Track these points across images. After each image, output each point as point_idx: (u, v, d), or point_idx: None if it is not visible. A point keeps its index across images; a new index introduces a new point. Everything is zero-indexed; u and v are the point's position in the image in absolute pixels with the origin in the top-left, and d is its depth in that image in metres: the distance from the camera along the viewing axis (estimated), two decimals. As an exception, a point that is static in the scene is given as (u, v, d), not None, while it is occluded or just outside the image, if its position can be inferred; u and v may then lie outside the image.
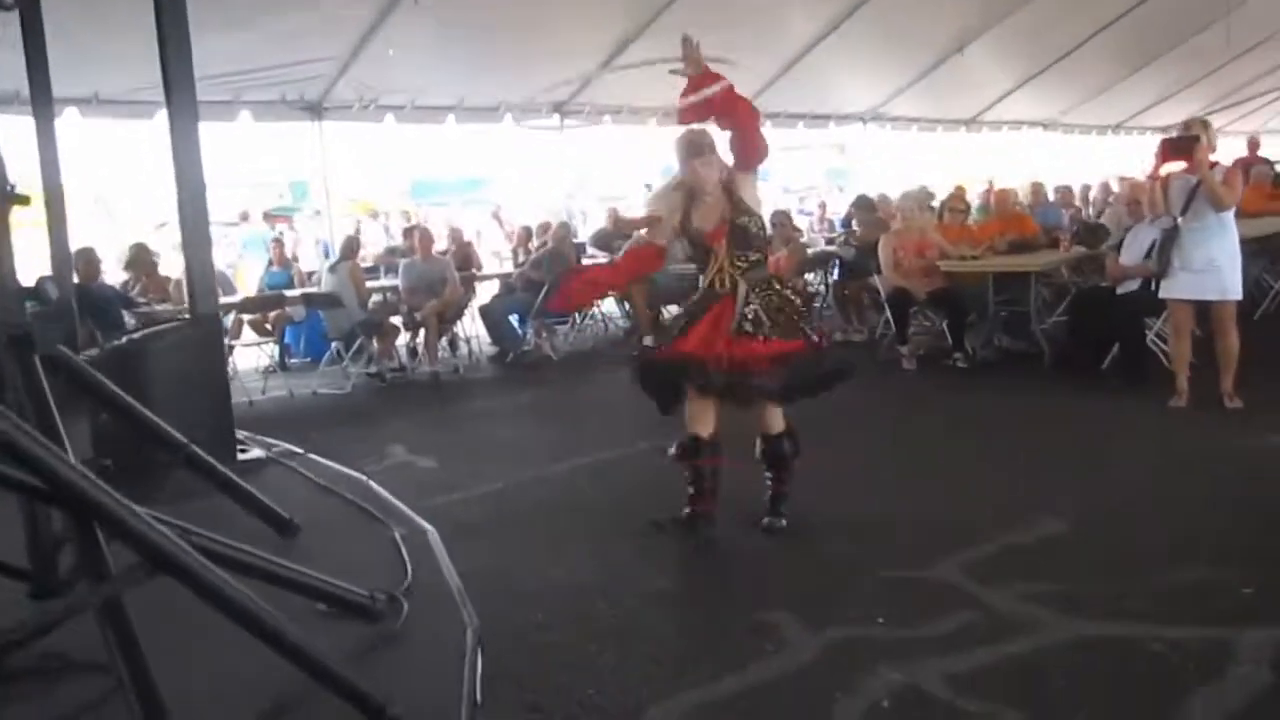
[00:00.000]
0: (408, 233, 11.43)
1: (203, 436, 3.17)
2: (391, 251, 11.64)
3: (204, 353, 3.25)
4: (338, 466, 3.49)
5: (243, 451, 3.71)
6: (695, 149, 4.32)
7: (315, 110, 10.64)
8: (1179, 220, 6.22)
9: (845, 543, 4.35)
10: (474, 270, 10.98)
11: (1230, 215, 6.18)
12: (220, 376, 3.24)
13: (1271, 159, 13.49)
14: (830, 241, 12.52)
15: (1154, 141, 20.51)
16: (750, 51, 12.35)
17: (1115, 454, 5.55)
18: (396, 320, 9.49)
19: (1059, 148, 19.91)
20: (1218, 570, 3.83)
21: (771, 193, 20.90)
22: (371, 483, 3.07)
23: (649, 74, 11.91)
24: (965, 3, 12.88)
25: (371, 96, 10.79)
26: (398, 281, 9.62)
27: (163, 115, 9.30)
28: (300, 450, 3.79)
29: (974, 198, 15.10)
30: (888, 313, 8.56)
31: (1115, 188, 16.76)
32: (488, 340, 10.86)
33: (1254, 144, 13.62)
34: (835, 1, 11.92)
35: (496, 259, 13.56)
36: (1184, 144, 6.12)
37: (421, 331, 9.39)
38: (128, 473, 3.14)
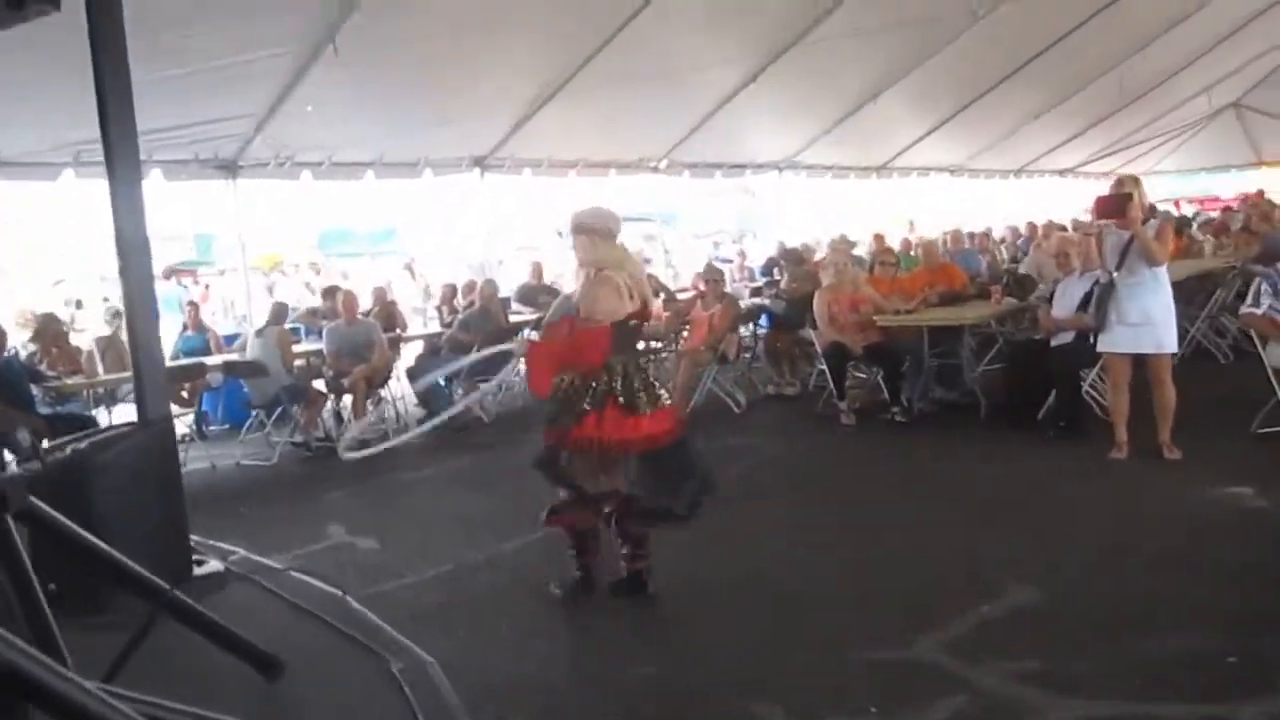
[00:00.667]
0: (328, 293, 11.10)
1: (157, 550, 2.94)
2: (313, 313, 11.29)
3: (156, 460, 2.99)
4: (304, 577, 3.24)
5: (198, 564, 3.43)
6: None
7: (230, 169, 10.32)
8: (1114, 275, 6.32)
9: (819, 619, 4.25)
10: (399, 331, 10.71)
11: (1163, 270, 6.31)
12: (174, 484, 2.99)
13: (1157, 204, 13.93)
14: (755, 292, 12.53)
15: (1052, 184, 21.31)
16: (669, 103, 12.49)
17: (1068, 511, 5.56)
18: (321, 386, 9.17)
19: (965, 192, 20.42)
20: (1196, 638, 3.82)
21: (681, 239, 21.03)
22: (350, 599, 2.83)
23: (568, 127, 12.04)
24: (877, 54, 13.10)
25: (288, 154, 10.53)
26: (321, 345, 9.31)
27: (68, 176, 9.20)
28: (261, 560, 3.52)
29: (891, 243, 15.41)
30: (824, 366, 8.56)
31: (1024, 231, 17.32)
32: (414, 403, 10.60)
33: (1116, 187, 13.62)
34: (752, 54, 12.01)
35: (419, 316, 13.26)
36: (1117, 202, 6.23)
37: (347, 398, 9.08)
38: (73, 596, 2.90)
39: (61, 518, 1.79)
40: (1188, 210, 19.50)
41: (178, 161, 9.79)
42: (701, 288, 13.66)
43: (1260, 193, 17.59)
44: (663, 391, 4.58)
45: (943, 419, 8.21)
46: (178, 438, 8.96)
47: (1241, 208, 16.08)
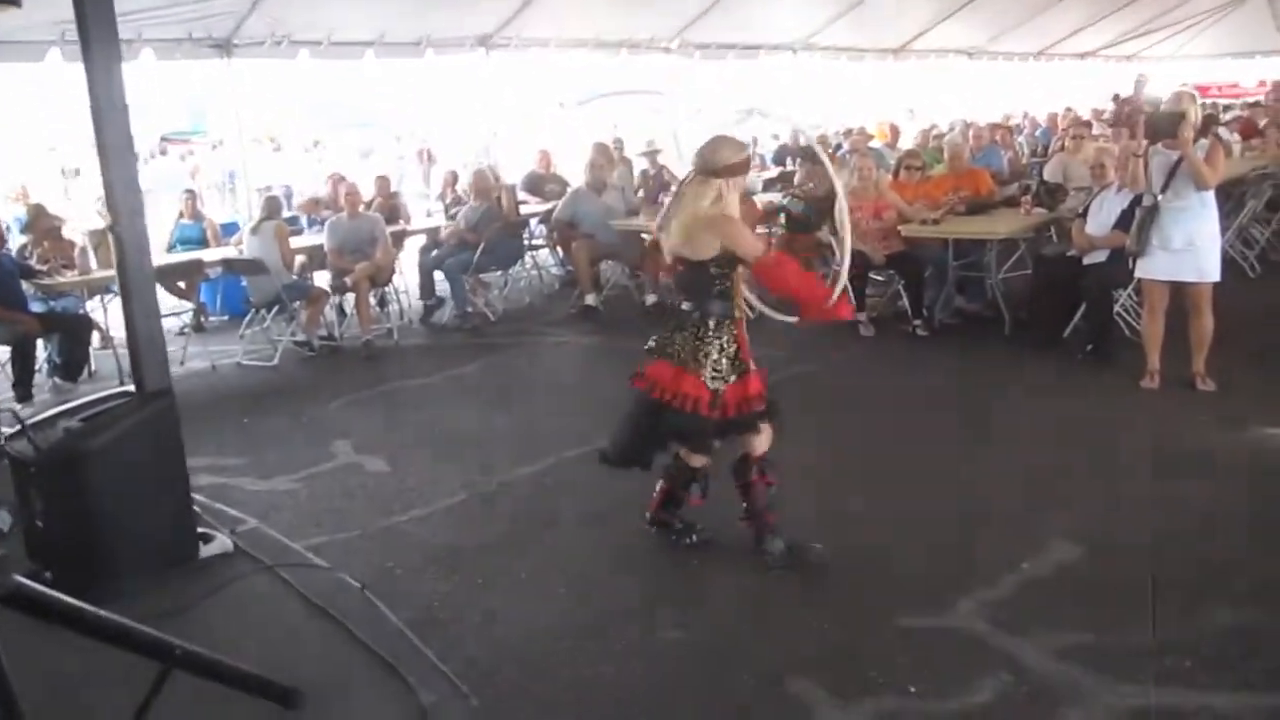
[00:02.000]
0: (334, 181, 10.71)
1: (160, 533, 2.74)
2: (316, 202, 10.90)
3: (157, 437, 2.76)
4: (319, 563, 3.02)
5: (204, 540, 3.22)
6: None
7: (224, 47, 9.83)
8: (1159, 198, 6.01)
9: (852, 580, 4.08)
10: (403, 224, 10.36)
11: (1211, 195, 6.00)
12: (177, 462, 2.76)
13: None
14: (769, 184, 12.14)
15: (1073, 68, 20.64)
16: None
17: (1104, 448, 5.37)
18: (323, 283, 8.88)
19: (983, 76, 19.77)
20: (1251, 610, 3.68)
21: (690, 120, 20.35)
22: (371, 596, 2.58)
23: (576, 5, 11.49)
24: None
25: (285, 33, 10.04)
26: (322, 239, 8.99)
27: (54, 56, 8.73)
28: (273, 533, 3.27)
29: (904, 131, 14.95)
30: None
31: (1043, 121, 16.81)
32: (418, 295, 10.35)
33: (1140, 86, 13.01)
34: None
35: (424, 202, 12.84)
36: (1169, 120, 5.88)
37: (350, 295, 8.81)
38: (70, 579, 2.70)
39: (54, 593, 1.56)
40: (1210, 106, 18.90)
41: (170, 40, 9.34)
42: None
43: (1278, 85, 17.00)
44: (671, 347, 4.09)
45: (965, 333, 7.98)
46: (177, 331, 8.91)
47: (1269, 101, 15.57)
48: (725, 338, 4.03)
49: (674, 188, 4.16)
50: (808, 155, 10.30)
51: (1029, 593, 3.91)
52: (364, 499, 5.24)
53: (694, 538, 4.42)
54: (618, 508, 4.87)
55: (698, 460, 4.26)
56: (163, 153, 18.61)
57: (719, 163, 3.86)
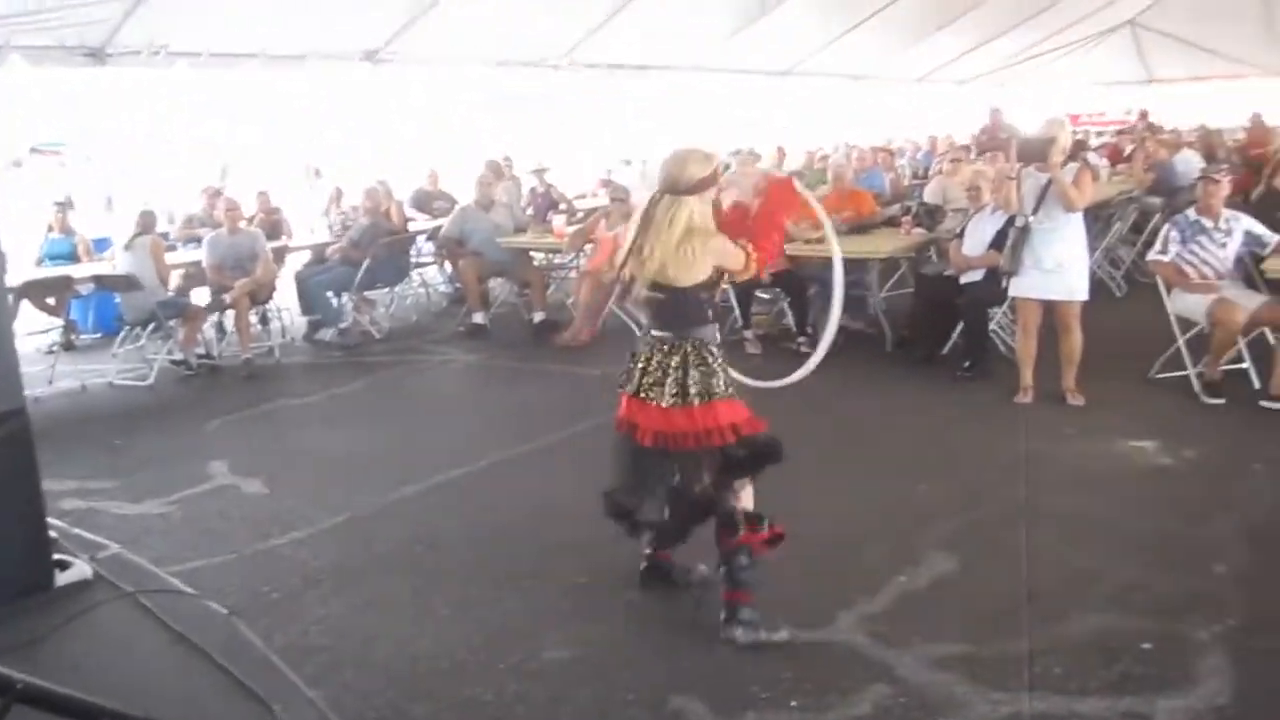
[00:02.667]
0: (209, 196, 10.42)
1: (12, 561, 2.62)
2: (190, 221, 10.57)
3: (9, 460, 2.61)
4: (184, 589, 2.90)
5: (61, 567, 3.05)
6: None
7: (97, 56, 9.48)
8: (1031, 220, 6.24)
9: (735, 595, 4.10)
10: (285, 241, 10.14)
11: (1079, 216, 6.25)
12: (31, 484, 2.61)
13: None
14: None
15: (950, 92, 21.29)
16: (572, 1, 11.94)
17: (978, 461, 5.54)
18: (201, 300, 8.62)
19: (866, 100, 20.26)
20: (1113, 618, 3.81)
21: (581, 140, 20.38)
22: (238, 622, 2.49)
23: (466, 23, 11.42)
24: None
25: (162, 43, 9.74)
26: (200, 257, 8.74)
27: None
28: (135, 559, 3.14)
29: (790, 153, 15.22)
30: (730, 293, 8.36)
31: (924, 144, 17.30)
32: (299, 312, 10.12)
33: (996, 116, 13.13)
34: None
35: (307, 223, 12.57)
36: (1039, 145, 6.11)
37: (230, 312, 8.57)
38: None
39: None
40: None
41: (40, 48, 8.97)
42: (601, 192, 13.38)
43: (1144, 114, 17.82)
44: (654, 386, 3.73)
45: (848, 349, 8.09)
46: (45, 349, 8.55)
47: (1132, 132, 16.30)
48: (723, 358, 3.79)
49: (635, 212, 3.76)
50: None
51: (906, 605, 3.98)
52: (240, 521, 5.09)
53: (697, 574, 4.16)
54: (504, 528, 4.85)
55: (744, 494, 3.88)
56: (20, 164, 17.81)
57: (689, 180, 3.56)
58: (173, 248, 10.10)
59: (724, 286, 3.90)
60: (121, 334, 8.53)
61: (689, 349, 3.67)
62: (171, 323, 8.23)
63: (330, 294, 9.34)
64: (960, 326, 7.35)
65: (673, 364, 3.67)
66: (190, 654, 2.41)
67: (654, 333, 3.74)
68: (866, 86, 19.41)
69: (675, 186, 3.57)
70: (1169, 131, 15.33)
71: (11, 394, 2.63)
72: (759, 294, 8.45)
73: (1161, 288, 6.77)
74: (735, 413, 3.71)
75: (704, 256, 3.58)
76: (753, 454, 3.78)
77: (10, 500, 2.62)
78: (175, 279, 8.73)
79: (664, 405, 3.66)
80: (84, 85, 9.95)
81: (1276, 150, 11.80)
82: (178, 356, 8.28)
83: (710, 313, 3.77)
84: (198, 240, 9.43)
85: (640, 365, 3.74)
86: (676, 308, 3.66)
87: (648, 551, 4.14)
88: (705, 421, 3.65)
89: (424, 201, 11.79)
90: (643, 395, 3.71)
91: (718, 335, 3.81)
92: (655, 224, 3.59)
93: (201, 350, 8.52)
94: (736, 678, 3.51)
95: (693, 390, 3.64)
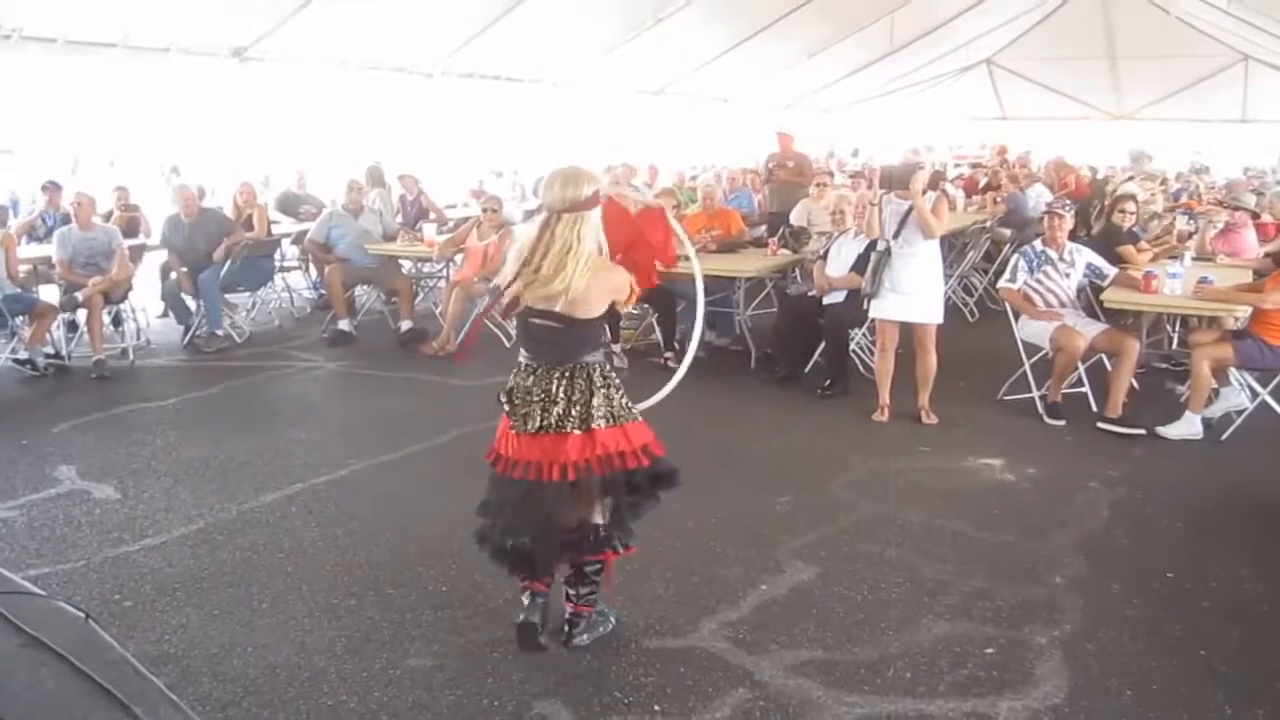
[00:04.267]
0: (49, 190, 9.95)
1: None
2: (32, 224, 9.99)
3: None
4: (34, 590, 2.75)
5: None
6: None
7: (-61, 39, 9.02)
8: (891, 244, 6.48)
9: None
10: (143, 239, 9.78)
11: (936, 243, 6.53)
12: None
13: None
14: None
15: (815, 119, 21.92)
16: (446, 10, 11.88)
17: (836, 476, 5.70)
18: (52, 298, 8.24)
19: (733, 121, 20.66)
20: (960, 624, 3.99)
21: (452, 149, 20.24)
22: (96, 626, 2.39)
23: (339, 24, 11.24)
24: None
25: (13, 25, 9.30)
26: (51, 252, 8.36)
27: None
28: None
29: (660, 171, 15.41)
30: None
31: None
32: (156, 314, 9.79)
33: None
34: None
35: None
36: (903, 173, 6.37)
37: (82, 311, 8.21)
38: None
39: None
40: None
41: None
42: (471, 202, 13.30)
43: (1003, 149, 18.66)
44: (571, 412, 3.53)
45: (713, 365, 8.28)
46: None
47: (989, 164, 17.04)
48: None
49: (520, 231, 3.66)
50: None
51: (767, 613, 4.10)
52: (89, 528, 4.90)
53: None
54: (366, 536, 4.80)
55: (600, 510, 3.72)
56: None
57: (584, 197, 3.42)
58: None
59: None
60: (-38, 333, 8.09)
61: (587, 374, 3.53)
62: (18, 320, 7.85)
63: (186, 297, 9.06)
64: (822, 346, 7.58)
65: (576, 391, 3.51)
66: (44, 657, 2.31)
67: (539, 360, 3.57)
68: (737, 109, 19.82)
69: (575, 205, 3.42)
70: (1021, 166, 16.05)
71: None
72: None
73: (1010, 314, 7.12)
74: (644, 434, 3.63)
75: (605, 294, 3.51)
76: (655, 477, 3.70)
77: None
78: (22, 274, 8.30)
79: (572, 431, 3.50)
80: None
81: (1113, 189, 12.51)
82: (23, 356, 7.89)
83: (602, 337, 3.69)
84: (41, 236, 9.02)
85: (538, 400, 3.52)
86: (572, 337, 3.52)
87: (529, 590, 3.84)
88: (619, 444, 3.55)
89: (290, 204, 11.55)
90: (548, 428, 3.51)
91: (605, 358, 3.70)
92: (557, 245, 3.42)
93: (50, 350, 8.13)
94: (599, 684, 3.55)
95: (598, 414, 3.51)
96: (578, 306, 3.45)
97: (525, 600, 3.80)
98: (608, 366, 3.64)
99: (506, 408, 3.58)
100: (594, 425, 3.50)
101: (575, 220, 3.43)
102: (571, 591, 3.80)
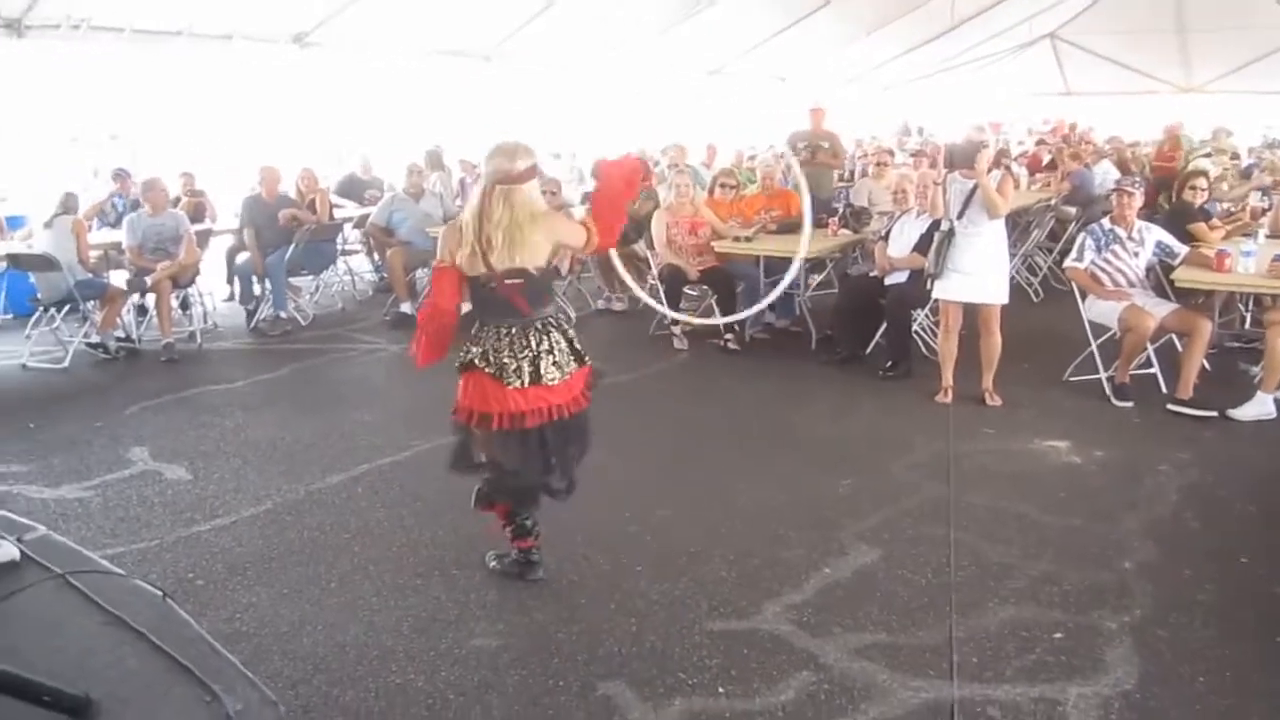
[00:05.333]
0: (119, 177, 10.16)
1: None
2: (102, 209, 10.18)
3: None
4: (114, 570, 2.83)
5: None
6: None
7: (14, 28, 9.22)
8: (955, 224, 6.39)
9: (662, 585, 4.15)
10: (209, 224, 9.95)
11: (1001, 222, 6.42)
12: None
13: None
14: (587, 197, 12.22)
15: (877, 96, 21.71)
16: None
17: (899, 457, 5.64)
18: (122, 283, 8.41)
19: (791, 100, 20.47)
20: (1027, 608, 3.95)
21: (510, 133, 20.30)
22: (173, 604, 2.46)
23: (396, 11, 11.33)
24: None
25: (82, 16, 9.50)
26: (121, 238, 8.54)
27: None
28: (65, 542, 3.05)
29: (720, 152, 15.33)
30: (659, 287, 8.44)
31: (850, 148, 17.55)
32: (223, 298, 9.97)
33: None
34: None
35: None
36: (967, 151, 6.27)
37: (151, 296, 8.37)
38: None
39: None
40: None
41: (-49, 16, 8.72)
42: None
43: (1073, 126, 18.31)
44: (551, 367, 3.84)
45: (774, 346, 8.28)
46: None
47: (1052, 140, 16.73)
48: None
49: (469, 205, 3.89)
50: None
51: (830, 595, 4.08)
52: (162, 508, 5.02)
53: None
54: (430, 516, 4.85)
55: None
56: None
57: (520, 170, 3.74)
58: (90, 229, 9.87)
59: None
60: (35, 315, 8.30)
61: (548, 328, 3.88)
62: (89, 304, 8.04)
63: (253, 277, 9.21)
64: (884, 327, 7.51)
65: (546, 345, 3.83)
66: (125, 635, 2.38)
67: (508, 322, 3.82)
68: (794, 88, 19.64)
69: (508, 177, 3.72)
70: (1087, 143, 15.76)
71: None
72: (687, 290, 8.53)
73: (1076, 294, 6.99)
74: (587, 370, 4.00)
75: (544, 236, 3.79)
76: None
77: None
78: (93, 259, 8.48)
79: (564, 379, 3.85)
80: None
81: (1183, 165, 12.24)
82: (95, 339, 8.08)
83: (553, 288, 4.09)
84: (112, 222, 9.21)
85: (528, 356, 3.80)
86: (538, 288, 3.84)
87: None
88: (584, 379, 3.97)
89: (354, 189, 11.67)
90: (537, 382, 3.80)
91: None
92: (496, 215, 3.73)
93: (120, 333, 8.32)
94: (663, 665, 3.57)
95: (567, 359, 3.89)
96: (526, 255, 3.74)
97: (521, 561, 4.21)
98: (560, 316, 4.01)
99: (490, 370, 3.80)
100: (573, 368, 3.90)
101: (508, 192, 3.73)
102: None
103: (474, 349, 3.86)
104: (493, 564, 4.29)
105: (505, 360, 3.79)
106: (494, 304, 3.83)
